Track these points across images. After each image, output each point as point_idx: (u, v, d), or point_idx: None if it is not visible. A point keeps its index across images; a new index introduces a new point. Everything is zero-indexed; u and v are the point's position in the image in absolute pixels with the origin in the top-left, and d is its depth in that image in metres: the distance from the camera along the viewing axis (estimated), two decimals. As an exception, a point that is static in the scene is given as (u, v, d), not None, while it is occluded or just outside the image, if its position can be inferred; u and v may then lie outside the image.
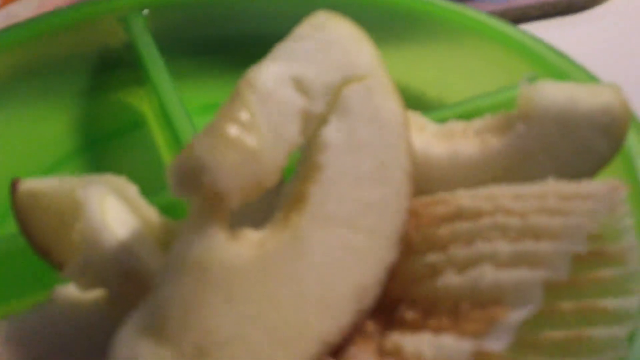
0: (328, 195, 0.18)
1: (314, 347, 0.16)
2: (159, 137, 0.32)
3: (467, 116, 0.25)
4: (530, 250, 0.15)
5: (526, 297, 0.14)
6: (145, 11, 0.34)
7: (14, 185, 0.19)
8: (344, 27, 0.20)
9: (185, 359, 0.15)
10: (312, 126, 0.18)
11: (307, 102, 0.18)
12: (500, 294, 0.15)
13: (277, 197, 0.19)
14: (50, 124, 0.32)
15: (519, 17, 0.38)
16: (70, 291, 0.19)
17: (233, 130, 0.16)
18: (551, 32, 0.38)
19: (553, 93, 0.21)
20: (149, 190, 0.21)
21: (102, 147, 0.32)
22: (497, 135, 0.22)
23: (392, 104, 0.20)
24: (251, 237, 0.17)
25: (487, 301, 0.15)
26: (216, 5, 0.35)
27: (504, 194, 0.18)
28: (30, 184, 0.19)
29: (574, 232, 0.15)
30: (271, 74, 0.18)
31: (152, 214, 0.20)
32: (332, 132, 0.18)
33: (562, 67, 0.26)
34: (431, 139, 0.22)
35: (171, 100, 0.29)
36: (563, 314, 0.15)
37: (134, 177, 0.31)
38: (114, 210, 0.18)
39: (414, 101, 0.29)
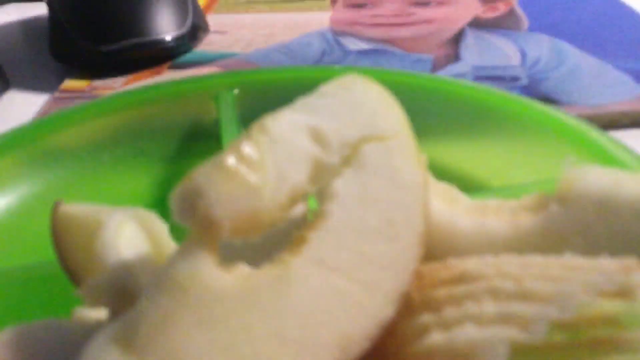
0: (327, 242, 0.18)
1: (284, 393, 0.16)
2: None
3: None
4: (514, 311, 0.14)
5: (492, 355, 0.13)
6: (236, 90, 0.37)
7: (54, 208, 0.21)
8: (372, 89, 0.20)
9: (148, 375, 0.15)
10: (325, 176, 0.19)
11: (321, 152, 0.19)
12: (472, 351, 0.14)
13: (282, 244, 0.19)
14: (136, 181, 0.35)
15: (608, 123, 0.36)
16: (88, 312, 0.20)
17: (233, 162, 0.17)
18: (641, 140, 0.36)
19: (596, 176, 0.20)
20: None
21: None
22: (530, 214, 0.21)
23: (411, 166, 0.19)
24: (241, 270, 0.17)
25: (458, 357, 0.14)
26: (299, 88, 0.37)
27: (511, 261, 0.17)
28: (69, 208, 0.21)
29: (563, 298, 0.14)
30: (287, 120, 0.18)
31: (171, 248, 0.20)
32: (342, 184, 0.19)
33: (624, 160, 0.24)
34: (461, 212, 0.21)
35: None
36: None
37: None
38: (129, 235, 0.19)
39: (470, 186, 0.29)
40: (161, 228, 0.21)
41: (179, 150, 0.37)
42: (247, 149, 0.17)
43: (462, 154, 0.30)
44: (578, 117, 0.33)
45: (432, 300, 0.17)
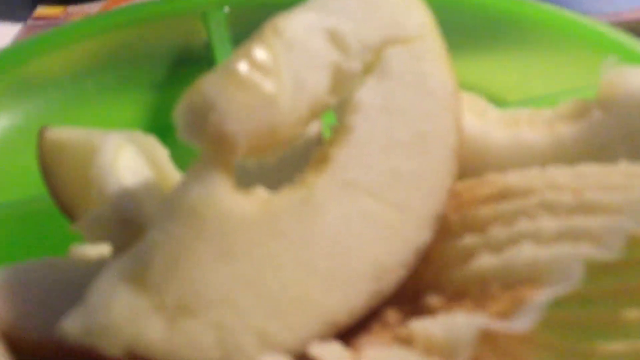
0: (354, 159, 0.16)
1: (316, 326, 0.14)
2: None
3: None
4: (579, 225, 0.13)
5: (563, 275, 0.12)
6: (226, 8, 0.34)
7: (40, 133, 0.18)
8: (393, -15, 0.18)
9: (163, 314, 0.13)
10: (346, 85, 0.17)
11: (341, 57, 0.16)
12: (536, 272, 0.12)
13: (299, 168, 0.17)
14: (122, 110, 0.33)
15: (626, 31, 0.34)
16: (87, 249, 0.18)
17: (246, 69, 0.15)
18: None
19: (638, 78, 0.18)
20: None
21: (170, 135, 0.32)
22: (568, 123, 0.19)
23: (441, 72, 0.17)
24: (261, 195, 0.15)
25: (519, 281, 0.12)
26: (296, 2, 0.34)
27: (562, 171, 0.15)
28: (58, 133, 0.18)
29: (636, 208, 0.12)
30: (302, 21, 0.16)
31: (174, 176, 0.18)
32: (367, 94, 0.17)
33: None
34: (492, 124, 0.19)
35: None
36: (604, 293, 0.12)
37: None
38: (127, 159, 0.17)
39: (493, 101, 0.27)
40: (162, 153, 0.19)
41: (167, 76, 0.34)
42: (260, 53, 0.15)
43: (477, 69, 0.28)
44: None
45: (474, 220, 0.15)
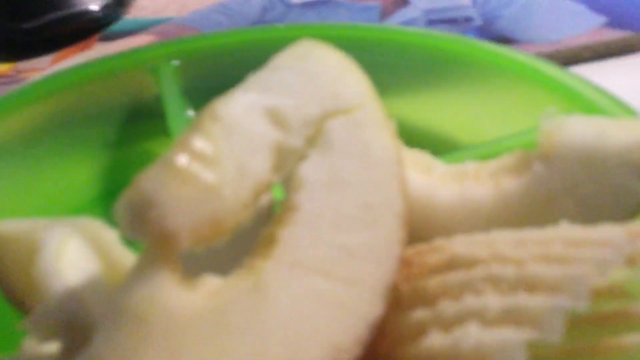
0: (301, 239, 0.16)
1: (275, 418, 0.14)
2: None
3: (489, 158, 0.22)
4: (522, 305, 0.13)
5: (507, 361, 0.12)
6: (175, 62, 0.34)
7: (-18, 228, 0.18)
8: (330, 56, 0.18)
9: None
10: (289, 162, 0.17)
11: (281, 135, 0.16)
12: (480, 355, 0.12)
13: (250, 243, 0.17)
14: (76, 172, 0.32)
15: (569, 59, 0.35)
16: (38, 346, 0.18)
17: (184, 161, 0.15)
18: (604, 75, 0.35)
19: (578, 128, 0.19)
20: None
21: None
22: (512, 177, 0.19)
23: (383, 139, 0.18)
24: (207, 285, 0.15)
25: (466, 364, 0.12)
26: (245, 52, 0.34)
27: (505, 239, 0.15)
28: (2, 227, 0.18)
29: (574, 284, 0.13)
30: (241, 104, 0.16)
31: (126, 260, 0.18)
32: (310, 169, 0.17)
33: (602, 106, 0.23)
34: (438, 181, 0.20)
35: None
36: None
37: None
38: (72, 255, 0.16)
39: (424, 142, 0.27)
40: (110, 237, 0.18)
41: (120, 133, 0.33)
42: (199, 143, 0.15)
43: (426, 111, 0.28)
44: (543, 57, 0.32)
45: (425, 292, 0.15)
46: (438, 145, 0.25)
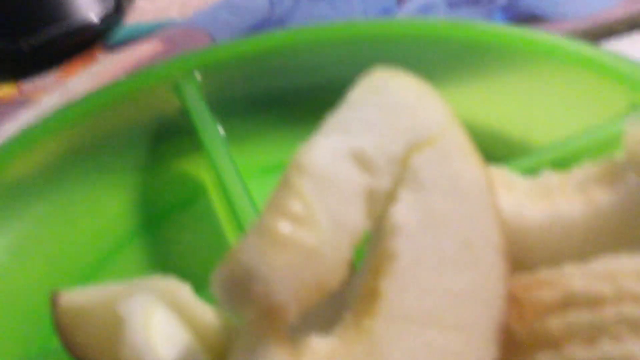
0: (405, 290, 0.15)
1: None
2: (219, 207, 0.30)
3: (561, 163, 0.21)
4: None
5: None
6: (197, 74, 0.32)
7: (54, 301, 0.17)
8: (406, 85, 0.17)
9: None
10: (380, 206, 0.16)
11: (370, 179, 0.15)
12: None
13: (345, 290, 0.16)
14: (108, 204, 0.31)
15: (604, 33, 0.34)
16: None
17: (285, 227, 0.13)
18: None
19: (669, 130, 0.18)
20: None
21: (164, 223, 0.30)
22: (603, 190, 0.18)
23: (472, 168, 0.16)
24: (317, 351, 0.14)
25: None
26: (268, 59, 0.33)
27: (626, 269, 0.14)
28: (72, 298, 0.17)
29: None
30: (325, 151, 0.15)
31: (208, 317, 0.17)
32: (403, 211, 0.15)
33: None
34: (524, 199, 0.18)
35: (226, 168, 0.27)
36: None
37: (198, 255, 0.29)
38: (160, 326, 0.15)
39: (493, 145, 0.26)
40: (188, 296, 0.17)
41: (149, 155, 0.32)
42: (292, 203, 0.14)
43: (485, 107, 0.26)
44: (578, 34, 0.30)
45: (545, 335, 0.14)
46: (500, 149, 0.24)
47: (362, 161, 0.15)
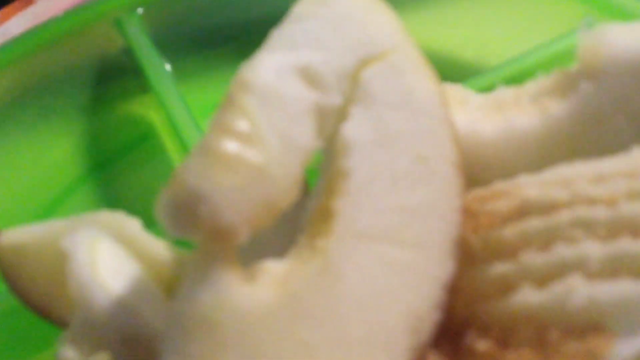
0: (359, 208, 0.14)
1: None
2: (170, 147, 0.29)
3: (515, 79, 0.21)
4: (630, 251, 0.12)
5: (633, 321, 0.11)
6: (140, 10, 0.31)
7: (-6, 239, 0.16)
8: (354, -4, 0.16)
9: None
10: (330, 124, 0.15)
11: (319, 96, 0.15)
12: (599, 315, 0.11)
13: (299, 213, 0.15)
14: (55, 148, 0.30)
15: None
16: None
17: (231, 146, 0.13)
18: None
19: (622, 39, 0.17)
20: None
21: (113, 165, 0.29)
22: (557, 100, 0.18)
23: (425, 83, 0.16)
24: (271, 273, 0.13)
25: (582, 327, 0.12)
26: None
27: (580, 174, 0.14)
28: (14, 237, 0.16)
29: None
30: (270, 67, 0.14)
31: (159, 251, 0.17)
32: (355, 128, 0.15)
33: (625, 5, 0.21)
34: (477, 114, 0.18)
35: (176, 106, 0.26)
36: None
37: (150, 195, 0.28)
38: (106, 259, 0.15)
39: (448, 67, 0.25)
40: (135, 228, 0.17)
41: (95, 97, 0.31)
42: (237, 121, 0.13)
43: (431, 31, 0.26)
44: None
45: (500, 244, 0.14)
46: (455, 71, 0.23)
47: (310, 77, 0.15)
